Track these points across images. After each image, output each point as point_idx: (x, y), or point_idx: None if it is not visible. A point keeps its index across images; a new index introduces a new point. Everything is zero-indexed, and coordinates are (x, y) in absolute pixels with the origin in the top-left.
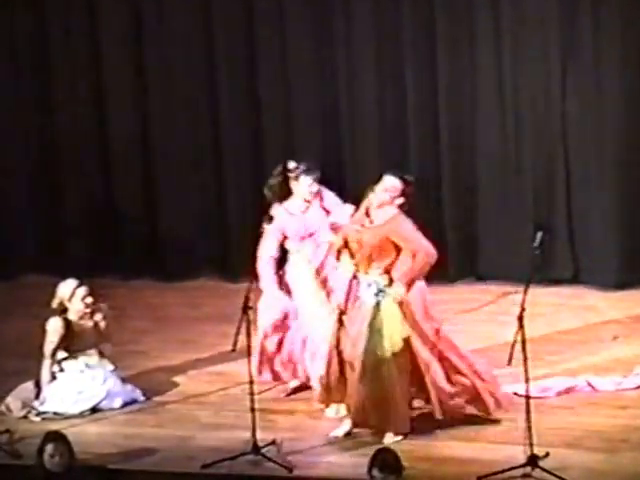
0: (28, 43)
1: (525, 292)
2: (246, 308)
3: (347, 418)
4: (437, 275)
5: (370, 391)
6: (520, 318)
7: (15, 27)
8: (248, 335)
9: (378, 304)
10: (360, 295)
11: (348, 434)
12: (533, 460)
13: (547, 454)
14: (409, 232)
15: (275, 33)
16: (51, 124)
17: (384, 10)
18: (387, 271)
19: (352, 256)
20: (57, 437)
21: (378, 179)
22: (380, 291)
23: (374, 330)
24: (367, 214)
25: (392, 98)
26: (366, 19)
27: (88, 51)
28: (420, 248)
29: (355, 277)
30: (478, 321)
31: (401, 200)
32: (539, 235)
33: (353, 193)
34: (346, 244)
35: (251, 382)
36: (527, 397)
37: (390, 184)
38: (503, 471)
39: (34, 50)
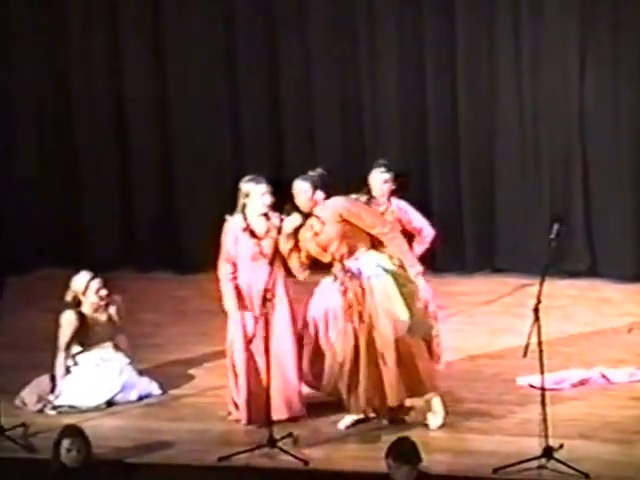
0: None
1: (541, 284)
2: (265, 300)
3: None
4: (454, 267)
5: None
6: (536, 310)
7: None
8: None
9: (394, 275)
10: (367, 275)
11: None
12: (548, 452)
13: (562, 445)
14: None
15: (297, 28)
16: (68, 117)
17: (405, 10)
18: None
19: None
20: (74, 432)
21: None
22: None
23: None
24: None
25: (412, 93)
26: (388, 19)
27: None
28: None
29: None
30: (494, 313)
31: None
32: (556, 227)
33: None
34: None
35: (268, 375)
36: (542, 389)
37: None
38: (519, 463)
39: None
